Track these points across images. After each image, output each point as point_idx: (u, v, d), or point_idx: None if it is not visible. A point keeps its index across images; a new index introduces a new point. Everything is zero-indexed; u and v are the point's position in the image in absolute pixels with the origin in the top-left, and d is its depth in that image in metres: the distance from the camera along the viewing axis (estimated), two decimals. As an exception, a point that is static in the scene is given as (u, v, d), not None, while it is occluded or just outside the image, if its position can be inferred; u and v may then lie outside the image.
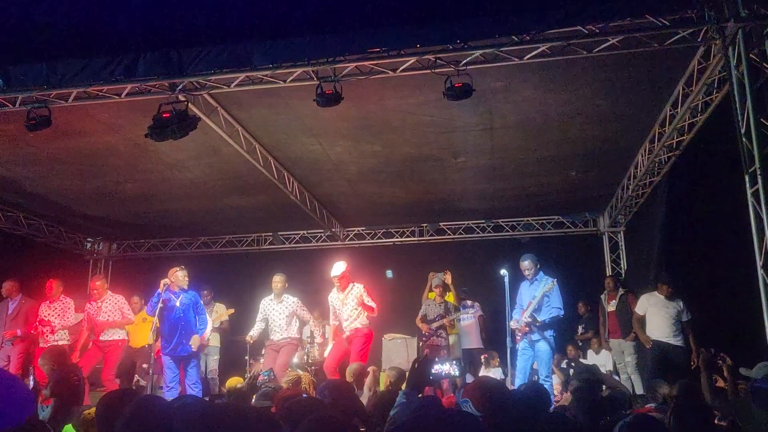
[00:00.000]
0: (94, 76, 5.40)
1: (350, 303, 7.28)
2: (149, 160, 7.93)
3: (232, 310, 9.38)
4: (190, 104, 5.80)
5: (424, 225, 11.57)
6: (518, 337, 6.74)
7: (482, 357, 9.34)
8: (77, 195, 9.41)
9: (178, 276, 7.12)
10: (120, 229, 11.66)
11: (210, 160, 8.03)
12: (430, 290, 8.96)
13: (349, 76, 5.50)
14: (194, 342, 7.12)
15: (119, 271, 12.46)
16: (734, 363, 5.24)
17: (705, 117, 6.41)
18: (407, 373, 5.39)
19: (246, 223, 11.25)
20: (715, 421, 3.41)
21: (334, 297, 7.46)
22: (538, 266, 6.78)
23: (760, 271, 4.64)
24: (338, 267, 7.35)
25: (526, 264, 6.75)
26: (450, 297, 8.96)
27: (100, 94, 5.79)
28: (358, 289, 7.32)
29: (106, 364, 7.68)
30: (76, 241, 12.04)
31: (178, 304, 7.04)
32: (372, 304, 7.27)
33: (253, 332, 7.85)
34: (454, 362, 3.81)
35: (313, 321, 8.48)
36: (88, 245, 12.45)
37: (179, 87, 5.68)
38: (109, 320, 7.66)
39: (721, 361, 5.18)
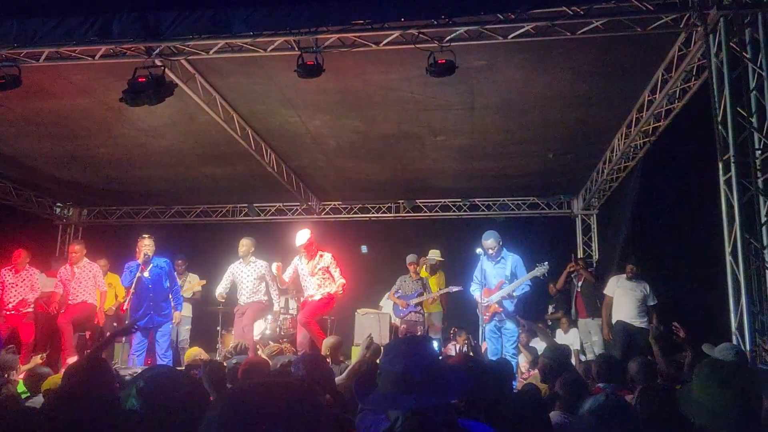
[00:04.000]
0: (67, 35, 5.22)
1: (319, 273, 7.29)
2: (123, 125, 7.76)
3: (204, 282, 9.31)
4: (166, 69, 5.67)
5: (401, 202, 11.59)
6: (486, 317, 6.70)
7: (451, 332, 9.49)
8: (47, 158, 9.19)
9: (141, 245, 7.00)
10: (91, 195, 11.44)
11: (186, 128, 7.89)
12: (423, 270, 9.08)
13: (331, 48, 5.42)
14: (175, 318, 7.31)
15: (89, 238, 12.18)
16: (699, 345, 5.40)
17: (682, 104, 6.49)
18: (383, 349, 5.43)
19: (221, 193, 11.12)
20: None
21: (302, 266, 7.40)
22: (501, 243, 6.74)
23: (728, 258, 4.75)
24: (303, 235, 7.29)
25: (490, 243, 6.60)
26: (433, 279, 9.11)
27: (73, 54, 5.62)
28: (327, 258, 7.32)
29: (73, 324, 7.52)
30: (45, 206, 11.79)
31: (147, 274, 6.93)
32: (342, 279, 7.30)
33: (221, 289, 7.73)
34: (434, 340, 3.83)
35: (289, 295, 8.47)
36: (58, 210, 12.20)
37: (156, 51, 5.54)
38: (79, 293, 7.61)
39: (675, 335, 5.31)
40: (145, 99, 5.46)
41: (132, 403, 1.55)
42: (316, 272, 7.28)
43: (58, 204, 12.17)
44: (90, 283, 7.69)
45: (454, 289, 8.54)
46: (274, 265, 7.48)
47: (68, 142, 8.47)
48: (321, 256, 7.34)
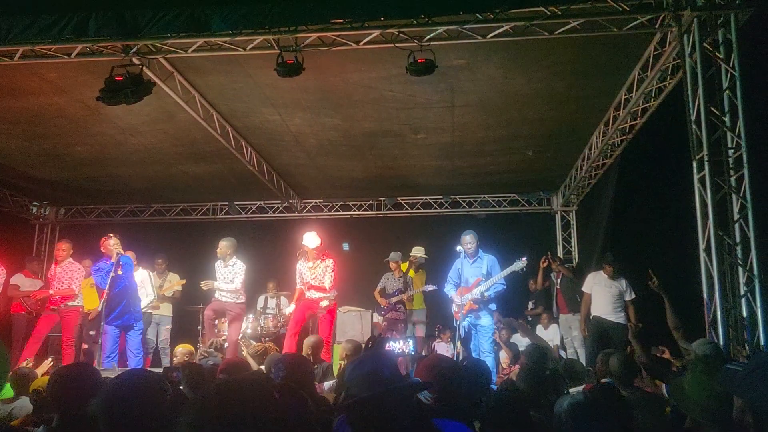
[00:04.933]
0: (42, 33, 5.13)
1: (318, 275, 7.38)
2: (101, 123, 7.67)
3: (183, 281, 9.24)
4: (144, 68, 5.61)
5: (382, 199, 11.61)
6: (464, 312, 6.72)
7: (436, 329, 9.54)
8: (23, 157, 9.04)
9: (109, 244, 6.91)
10: (68, 194, 11.28)
11: (165, 126, 7.82)
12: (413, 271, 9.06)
13: (310, 47, 5.42)
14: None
15: (67, 237, 11.99)
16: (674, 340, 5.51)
17: (658, 103, 6.59)
18: (363, 348, 5.47)
19: (201, 191, 11.04)
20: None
21: (303, 265, 7.50)
22: (478, 243, 6.79)
23: (702, 255, 4.84)
24: (314, 240, 7.36)
25: (468, 239, 6.71)
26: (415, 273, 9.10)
27: (49, 53, 5.55)
28: (328, 263, 7.44)
29: (64, 328, 7.65)
30: (22, 205, 11.60)
31: (120, 272, 6.84)
32: (329, 284, 7.37)
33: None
34: (409, 339, 3.87)
35: (269, 292, 8.44)
36: (34, 209, 12.01)
37: (133, 50, 5.49)
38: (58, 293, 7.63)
39: (659, 353, 5.42)
40: (122, 98, 5.40)
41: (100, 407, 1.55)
42: (315, 275, 7.40)
43: (35, 203, 11.99)
44: (68, 284, 7.62)
45: (429, 288, 8.58)
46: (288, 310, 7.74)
47: (44, 141, 8.35)
48: (323, 260, 7.44)
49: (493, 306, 6.68)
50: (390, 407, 1.70)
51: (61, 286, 7.65)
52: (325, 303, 7.30)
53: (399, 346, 3.56)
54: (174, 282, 9.11)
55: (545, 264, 9.16)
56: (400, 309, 8.50)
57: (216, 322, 7.89)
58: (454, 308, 6.72)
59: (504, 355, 8.19)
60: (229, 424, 1.19)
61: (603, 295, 7.69)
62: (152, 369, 6.82)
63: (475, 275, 6.66)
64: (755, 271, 4.66)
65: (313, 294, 7.34)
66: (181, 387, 3.09)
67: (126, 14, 5.01)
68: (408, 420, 1.72)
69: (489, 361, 6.44)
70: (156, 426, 1.70)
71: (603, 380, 4.09)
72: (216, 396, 1.26)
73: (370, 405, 1.69)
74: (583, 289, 7.99)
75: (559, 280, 8.95)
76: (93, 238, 11.12)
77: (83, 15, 5.03)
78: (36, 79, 6.39)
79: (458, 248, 6.78)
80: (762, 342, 4.57)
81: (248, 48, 5.48)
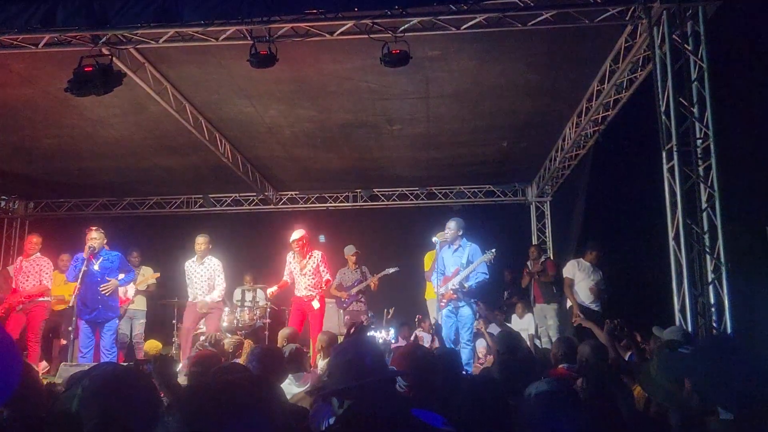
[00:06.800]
0: (7, 23, 5.03)
1: (309, 272, 7.43)
2: (70, 115, 7.52)
3: (157, 274, 9.14)
4: (114, 58, 5.51)
5: (358, 191, 11.60)
6: (442, 304, 6.76)
7: (416, 318, 9.54)
8: (-11, 150, 8.84)
9: (87, 237, 6.80)
10: (38, 188, 11.06)
11: (137, 118, 7.70)
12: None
13: (284, 37, 5.37)
14: (109, 284, 6.76)
15: (37, 231, 11.76)
16: (648, 327, 5.61)
17: (629, 94, 6.69)
18: (340, 339, 5.48)
19: (175, 184, 10.91)
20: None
21: (294, 264, 7.54)
22: (462, 232, 6.81)
23: (671, 243, 4.94)
24: (297, 233, 7.47)
25: (453, 225, 6.73)
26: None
27: (15, 43, 5.41)
28: (316, 257, 7.49)
29: (29, 324, 7.51)
30: (-12, 199, 11.35)
31: (96, 267, 6.73)
32: (327, 276, 7.51)
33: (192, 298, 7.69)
34: (391, 329, 3.88)
35: (246, 285, 8.39)
36: (3, 204, 11.75)
37: (102, 40, 5.39)
38: (27, 288, 7.52)
39: (617, 327, 5.48)
40: (92, 89, 5.30)
41: (76, 404, 1.53)
42: (305, 272, 7.44)
43: (3, 197, 11.73)
44: (37, 279, 7.49)
45: (391, 270, 8.52)
46: (269, 291, 7.75)
47: (11, 134, 8.16)
48: (311, 256, 7.49)
49: (475, 297, 6.71)
50: (370, 398, 1.71)
51: (27, 279, 7.51)
52: (316, 305, 7.41)
53: (381, 335, 3.57)
54: (148, 275, 9.01)
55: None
56: (362, 300, 8.49)
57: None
58: (437, 297, 6.76)
59: (480, 345, 8.26)
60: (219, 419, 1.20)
61: (585, 283, 7.79)
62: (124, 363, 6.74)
63: (454, 264, 6.68)
64: (722, 259, 4.77)
65: (305, 292, 7.44)
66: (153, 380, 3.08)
67: (94, 4, 4.93)
68: (388, 410, 1.73)
69: (467, 351, 6.48)
70: (132, 419, 1.70)
71: (561, 366, 4.14)
72: (207, 394, 1.26)
73: (351, 396, 1.70)
74: (565, 274, 8.04)
75: (535, 271, 9.04)
76: (64, 233, 10.99)
77: (50, 4, 4.94)
78: (2, 70, 6.23)
79: (434, 239, 6.83)
80: (729, 328, 4.69)
81: (221, 38, 5.41)
